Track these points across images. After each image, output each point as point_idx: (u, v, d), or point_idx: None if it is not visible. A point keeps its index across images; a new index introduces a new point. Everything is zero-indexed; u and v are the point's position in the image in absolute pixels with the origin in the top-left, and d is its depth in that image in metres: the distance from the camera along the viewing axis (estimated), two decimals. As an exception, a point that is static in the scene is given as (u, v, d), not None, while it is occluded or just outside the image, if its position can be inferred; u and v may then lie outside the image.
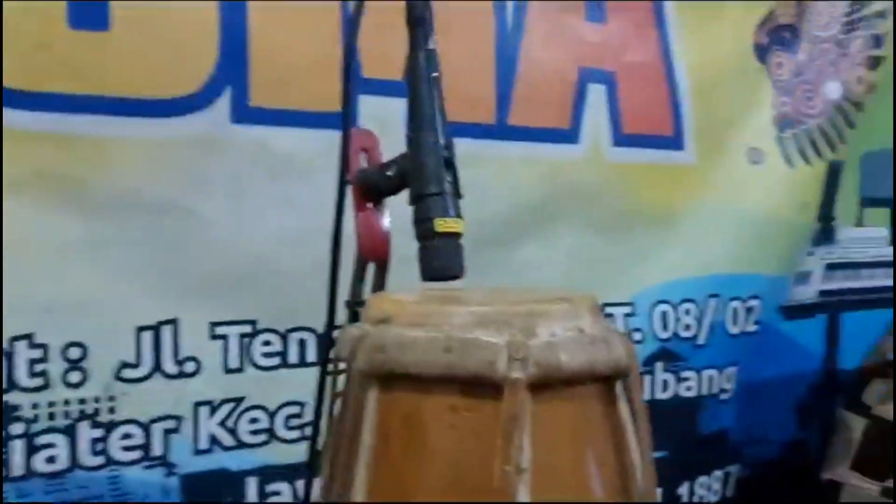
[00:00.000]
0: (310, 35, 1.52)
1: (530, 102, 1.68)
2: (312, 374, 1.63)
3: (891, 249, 2.08)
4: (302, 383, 1.60)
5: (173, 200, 1.46)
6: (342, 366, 0.96)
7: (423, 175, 0.99)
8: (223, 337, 1.54)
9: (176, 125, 1.44)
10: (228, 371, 1.55)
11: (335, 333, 1.01)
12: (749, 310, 1.95)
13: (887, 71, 2.05)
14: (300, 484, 1.57)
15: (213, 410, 1.53)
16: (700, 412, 1.89)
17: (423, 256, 0.99)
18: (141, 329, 1.45)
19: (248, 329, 1.56)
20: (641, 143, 1.81)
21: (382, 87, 1.49)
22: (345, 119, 1.05)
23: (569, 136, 1.74)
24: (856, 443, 1.70)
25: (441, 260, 0.98)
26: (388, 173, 1.05)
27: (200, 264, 1.50)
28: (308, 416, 1.61)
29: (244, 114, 1.49)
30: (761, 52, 1.92)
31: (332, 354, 1.00)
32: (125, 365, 1.44)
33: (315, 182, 1.56)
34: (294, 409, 1.61)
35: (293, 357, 1.61)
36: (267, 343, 1.58)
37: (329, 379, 1.03)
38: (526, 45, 1.68)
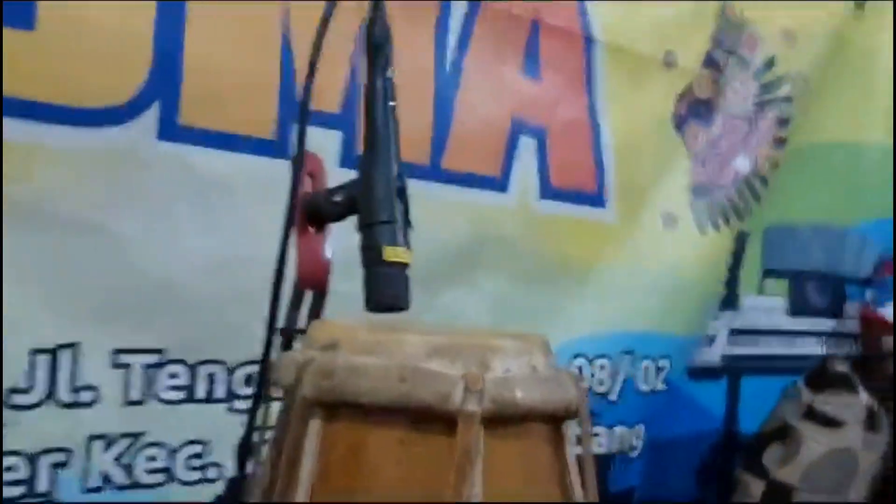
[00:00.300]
0: (247, 57, 1.48)
1: (464, 148, 1.70)
2: (219, 411, 1.56)
3: (788, 319, 2.21)
4: (207, 421, 1.52)
5: (87, 215, 1.37)
6: (278, 393, 0.91)
7: (374, 202, 0.96)
8: (126, 366, 1.43)
9: (97, 136, 1.36)
10: (129, 403, 1.44)
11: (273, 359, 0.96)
12: (659, 368, 2.00)
13: (791, 150, 2.21)
14: (197, 529, 1.47)
15: (109, 445, 1.42)
16: (609, 470, 1.91)
17: (368, 285, 0.95)
18: (36, 351, 1.34)
19: (153, 359, 1.46)
20: (567, 198, 1.85)
21: (316, 118, 1.46)
22: (300, 135, 1.01)
23: (499, 184, 1.76)
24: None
25: (388, 289, 0.95)
26: (336, 199, 1.02)
27: (109, 285, 1.40)
28: (212, 456, 1.52)
29: (171, 131, 1.42)
30: (679, 123, 2.02)
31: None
32: (15, 390, 1.31)
33: (238, 208, 1.51)
34: (196, 449, 1.51)
35: (200, 392, 1.51)
36: (173, 375, 1.48)
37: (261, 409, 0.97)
38: (464, 92, 1.70)
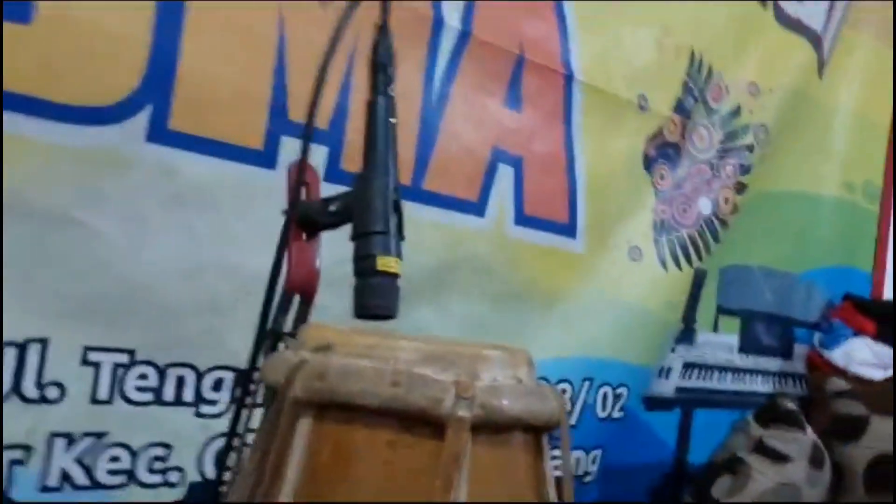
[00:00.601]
0: (241, 68, 1.51)
1: (444, 172, 1.74)
2: (186, 415, 1.55)
3: (739, 357, 2.29)
4: (173, 424, 1.51)
5: (68, 211, 1.36)
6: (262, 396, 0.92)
7: (370, 212, 1.00)
8: (95, 364, 1.42)
9: (86, 134, 1.36)
10: (95, 402, 1.42)
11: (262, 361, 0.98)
12: (617, 396, 2.06)
13: (749, 196, 2.31)
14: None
15: (71, 443, 1.40)
16: (564, 493, 1.94)
17: (359, 293, 0.98)
18: (5, 344, 1.32)
19: (124, 359, 1.45)
20: (539, 226, 1.91)
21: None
22: (304, 147, 1.04)
23: (476, 208, 1.80)
24: (703, 533, 1.81)
25: (378, 298, 0.98)
26: (331, 208, 1.05)
27: (83, 283, 1.39)
28: (175, 460, 1.51)
29: (160, 135, 1.43)
30: (648, 163, 2.11)
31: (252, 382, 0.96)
32: (-21, 382, 1.30)
33: (219, 215, 1.52)
34: (160, 451, 1.50)
35: (168, 395, 1.51)
36: (143, 376, 1.47)
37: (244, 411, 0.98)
38: (447, 119, 1.75)
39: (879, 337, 2.30)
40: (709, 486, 1.85)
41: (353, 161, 1.52)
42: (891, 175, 2.75)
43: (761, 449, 1.87)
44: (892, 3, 2.62)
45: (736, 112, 2.30)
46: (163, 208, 1.46)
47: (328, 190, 1.09)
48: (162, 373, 1.49)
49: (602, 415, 2.03)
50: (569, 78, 1.94)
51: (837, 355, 2.23)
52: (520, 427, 0.86)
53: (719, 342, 2.27)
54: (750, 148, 2.29)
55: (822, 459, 1.92)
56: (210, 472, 1.53)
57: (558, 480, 0.91)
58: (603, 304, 2.00)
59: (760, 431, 1.92)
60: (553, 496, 0.89)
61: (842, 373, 2.14)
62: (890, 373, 2.09)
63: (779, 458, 1.86)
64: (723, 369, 2.27)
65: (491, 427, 0.82)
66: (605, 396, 2.03)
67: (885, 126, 2.78)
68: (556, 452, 0.86)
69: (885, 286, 2.75)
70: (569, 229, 1.96)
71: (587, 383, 1.99)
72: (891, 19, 2.69)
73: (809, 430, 1.94)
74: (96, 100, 1.38)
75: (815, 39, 2.50)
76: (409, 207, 1.67)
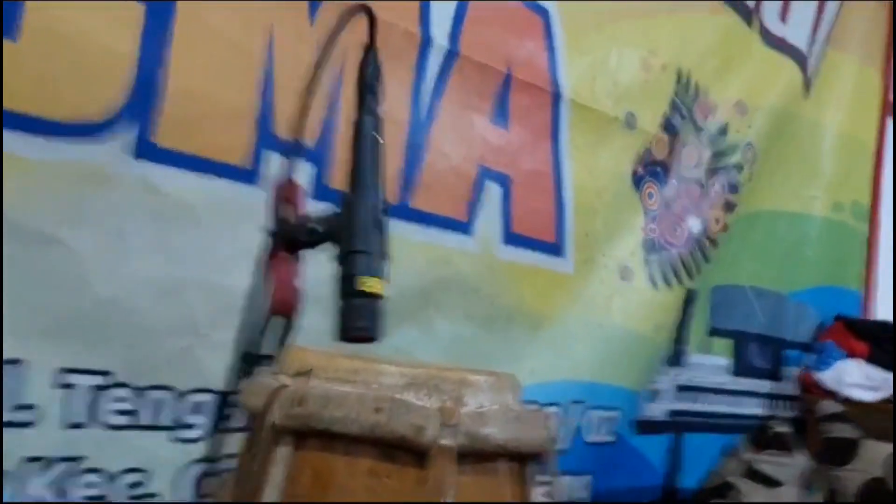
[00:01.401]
0: (228, 84, 1.48)
1: (431, 190, 1.72)
2: (162, 438, 1.51)
3: (731, 379, 2.27)
4: (150, 449, 1.47)
5: (47, 228, 1.33)
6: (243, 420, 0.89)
7: (354, 232, 0.98)
8: (70, 386, 1.38)
9: (70, 150, 1.33)
10: (70, 426, 1.38)
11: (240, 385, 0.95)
12: (607, 420, 2.03)
13: (739, 215, 2.30)
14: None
15: (46, 468, 1.35)
16: (555, 519, 1.90)
17: (342, 314, 0.95)
18: (-19, 367, 1.28)
19: (99, 381, 1.41)
20: (527, 245, 1.88)
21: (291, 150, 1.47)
22: (290, 165, 1.01)
23: (463, 227, 1.78)
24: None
25: (362, 320, 0.95)
26: (315, 227, 1.03)
27: (61, 302, 1.36)
28: (151, 485, 1.47)
29: (145, 151, 1.41)
30: (637, 181, 2.09)
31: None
32: (-48, 407, 1.25)
33: (200, 233, 1.49)
34: (136, 477, 1.45)
35: (146, 418, 1.47)
36: (120, 399, 1.43)
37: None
38: (434, 137, 1.73)
39: (872, 359, 2.28)
40: (700, 511, 1.82)
41: (339, 180, 1.51)
42: (878, 194, 2.75)
43: (752, 474, 1.85)
44: (875, 25, 2.64)
45: (724, 130, 2.29)
46: (143, 226, 1.43)
47: (314, 208, 1.06)
48: (139, 395, 1.45)
49: (592, 439, 2.00)
50: (556, 96, 1.93)
51: (828, 377, 2.22)
52: (506, 455, 0.83)
53: (711, 364, 2.24)
54: (738, 167, 2.28)
55: (813, 483, 1.90)
56: (187, 497, 1.49)
57: (547, 506, 0.88)
58: (592, 325, 1.97)
59: (751, 456, 1.89)
60: (542, 526, 0.86)
61: (833, 395, 2.12)
62: (881, 395, 2.07)
63: (770, 482, 1.84)
64: (715, 391, 2.25)
65: (476, 455, 0.80)
66: (595, 420, 2.00)
67: (871, 145, 2.79)
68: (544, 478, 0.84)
69: (874, 306, 2.74)
70: (557, 249, 1.94)
71: (577, 407, 1.96)
72: (875, 41, 2.71)
73: (801, 454, 1.91)
74: (82, 116, 1.35)
75: (800, 59, 2.51)
76: (395, 227, 1.64)
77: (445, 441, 0.77)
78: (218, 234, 1.49)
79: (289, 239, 1.04)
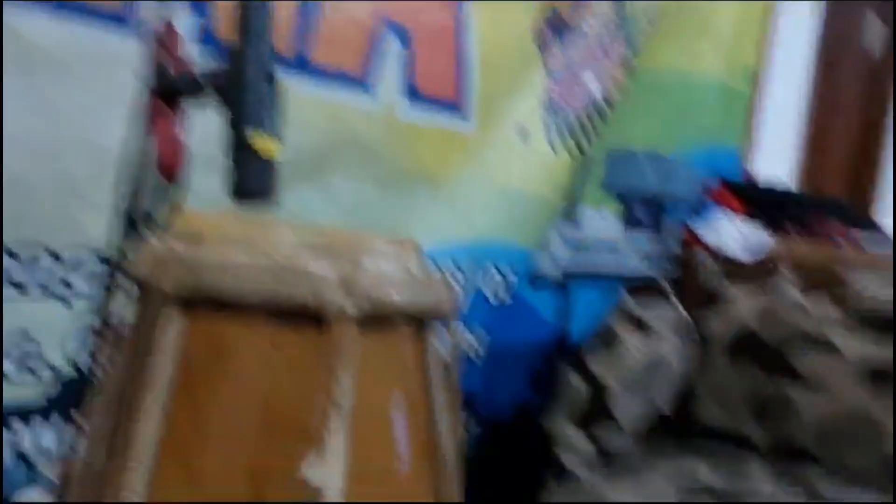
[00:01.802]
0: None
1: (329, 44, 1.62)
2: (50, 307, 1.43)
3: (620, 235, 2.35)
4: (39, 319, 1.40)
5: None
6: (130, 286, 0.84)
7: (244, 86, 0.90)
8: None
9: None
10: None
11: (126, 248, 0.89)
12: (504, 278, 2.08)
13: (633, 76, 2.29)
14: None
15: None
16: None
17: (233, 175, 0.90)
18: None
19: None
20: (428, 105, 1.83)
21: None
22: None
23: (363, 84, 1.70)
24: (578, 402, 1.89)
25: (254, 181, 0.90)
26: (200, 80, 0.95)
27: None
28: (45, 355, 1.41)
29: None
30: (541, 41, 2.04)
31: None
32: None
33: (72, 86, 1.36)
34: (28, 347, 1.39)
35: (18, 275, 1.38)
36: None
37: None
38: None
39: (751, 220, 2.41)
40: (588, 359, 1.92)
41: (225, 30, 1.39)
42: (766, 59, 2.80)
43: (630, 319, 1.96)
44: None
45: (627, -7, 2.24)
46: (8, 81, 1.29)
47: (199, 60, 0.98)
48: (25, 264, 1.36)
49: (490, 297, 2.05)
50: (460, -52, 1.82)
51: (708, 233, 2.32)
52: (406, 318, 0.83)
53: (603, 224, 2.31)
54: (640, 29, 2.26)
55: (689, 332, 2.03)
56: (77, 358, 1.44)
57: (446, 367, 0.90)
58: (491, 186, 1.97)
59: (631, 304, 2.00)
60: (439, 384, 0.87)
61: (713, 252, 2.23)
62: (757, 256, 2.19)
63: (645, 328, 1.95)
64: (604, 249, 2.33)
65: (376, 319, 0.79)
66: (493, 279, 2.05)
67: (766, 11, 2.81)
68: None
69: (754, 163, 2.87)
70: (458, 108, 1.89)
71: (475, 266, 1.99)
72: None
73: (678, 304, 2.03)
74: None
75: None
76: (289, 81, 1.55)
77: (345, 306, 0.75)
78: (90, 87, 1.36)
79: (169, 91, 0.96)
